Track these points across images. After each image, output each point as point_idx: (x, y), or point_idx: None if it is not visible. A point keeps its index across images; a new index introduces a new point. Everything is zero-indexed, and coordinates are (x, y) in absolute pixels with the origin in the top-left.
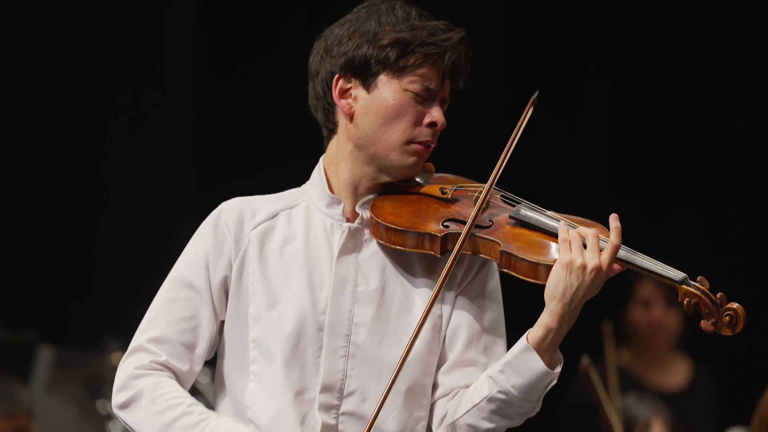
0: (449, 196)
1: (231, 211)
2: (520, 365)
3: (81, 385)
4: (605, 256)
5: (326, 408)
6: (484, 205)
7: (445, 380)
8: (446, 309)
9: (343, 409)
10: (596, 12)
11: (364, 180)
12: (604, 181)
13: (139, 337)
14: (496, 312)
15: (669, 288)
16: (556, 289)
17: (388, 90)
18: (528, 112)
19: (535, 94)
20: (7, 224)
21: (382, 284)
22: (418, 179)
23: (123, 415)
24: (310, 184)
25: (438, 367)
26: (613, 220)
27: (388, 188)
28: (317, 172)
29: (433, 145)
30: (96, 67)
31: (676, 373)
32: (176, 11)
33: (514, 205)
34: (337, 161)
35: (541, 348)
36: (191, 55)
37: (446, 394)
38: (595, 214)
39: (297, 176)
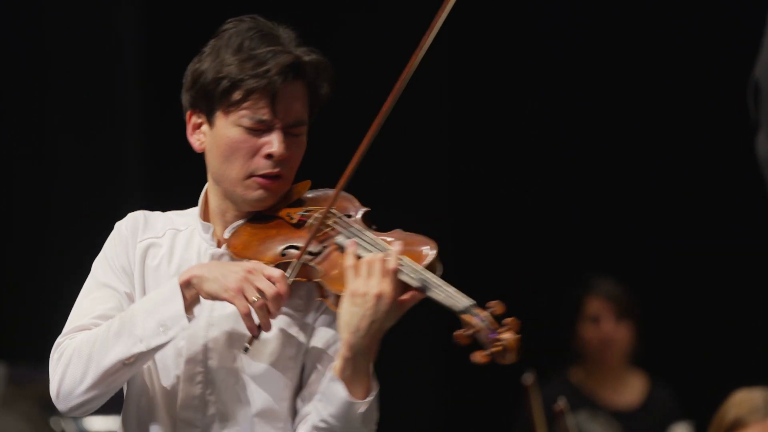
0: (295, 221)
1: (130, 220)
2: (330, 395)
3: (35, 403)
4: (384, 283)
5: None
6: (324, 229)
7: (301, 406)
8: (303, 334)
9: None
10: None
11: (228, 210)
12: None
13: (63, 331)
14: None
15: (618, 302)
16: (344, 319)
17: (223, 126)
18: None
19: None
20: None
21: (236, 311)
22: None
23: (67, 390)
24: (196, 208)
25: (298, 392)
26: (396, 245)
27: (256, 214)
28: (201, 197)
29: (283, 174)
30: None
31: (631, 390)
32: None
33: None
34: (209, 190)
35: (344, 377)
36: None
37: (300, 420)
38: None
39: None
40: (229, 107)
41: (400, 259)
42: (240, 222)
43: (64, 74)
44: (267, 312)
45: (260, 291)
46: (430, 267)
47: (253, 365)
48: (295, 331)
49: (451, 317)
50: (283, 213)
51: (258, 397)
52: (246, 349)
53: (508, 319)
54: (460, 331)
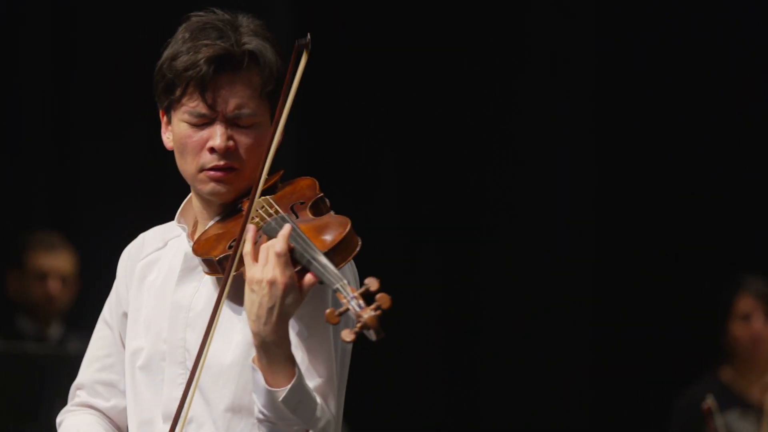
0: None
1: (132, 246)
2: (255, 384)
3: None
4: (276, 268)
5: None
6: (256, 218)
7: None
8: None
9: None
10: None
11: (206, 206)
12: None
13: (77, 378)
14: (318, 334)
15: None
16: (246, 308)
17: (175, 123)
18: (298, 63)
19: (307, 37)
20: None
21: (210, 309)
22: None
23: None
24: None
25: None
26: (285, 227)
27: (231, 210)
28: (186, 199)
29: (237, 165)
30: None
31: None
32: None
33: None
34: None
35: (262, 366)
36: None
37: None
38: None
39: None
40: (174, 105)
41: (297, 242)
42: (213, 221)
43: None
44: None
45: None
46: (340, 247)
47: (222, 361)
48: None
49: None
50: (241, 207)
51: (227, 393)
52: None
53: (379, 295)
54: (330, 309)
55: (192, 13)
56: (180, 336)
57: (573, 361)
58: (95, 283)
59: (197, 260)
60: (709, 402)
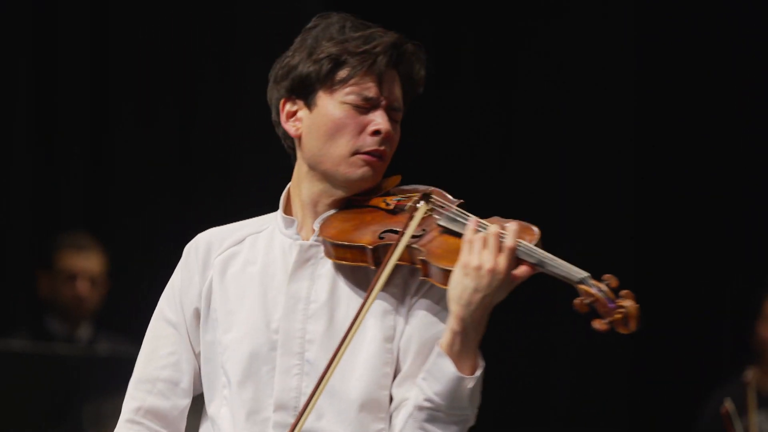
0: (392, 207)
1: (200, 242)
2: (437, 371)
3: None
4: (501, 257)
5: (281, 427)
6: (423, 215)
7: (398, 392)
8: (400, 320)
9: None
10: None
11: (323, 197)
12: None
13: (132, 376)
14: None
15: None
16: (454, 292)
17: (327, 105)
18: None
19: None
20: None
21: (335, 301)
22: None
23: None
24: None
25: (394, 378)
26: (513, 224)
27: (347, 203)
28: (282, 196)
29: (386, 154)
30: None
31: None
32: None
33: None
34: (299, 183)
35: (452, 353)
36: None
37: (398, 405)
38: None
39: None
40: (334, 86)
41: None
42: (329, 212)
43: None
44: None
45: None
46: (537, 246)
47: (354, 355)
48: (391, 318)
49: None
50: (376, 201)
51: (360, 386)
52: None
53: (624, 291)
54: (578, 299)
55: (321, 15)
56: (299, 327)
57: (598, 364)
58: (125, 283)
59: (312, 253)
60: (727, 405)
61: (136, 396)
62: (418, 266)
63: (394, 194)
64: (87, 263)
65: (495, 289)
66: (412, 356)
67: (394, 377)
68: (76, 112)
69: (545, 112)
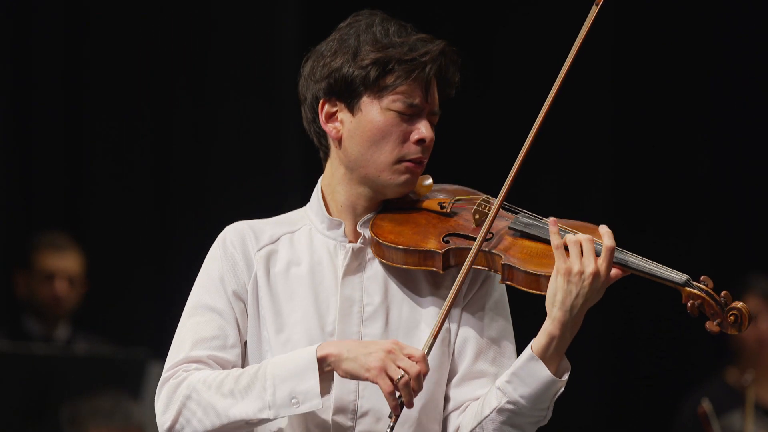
0: (448, 210)
1: (235, 233)
2: (527, 375)
3: None
4: (602, 261)
5: (340, 430)
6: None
7: (457, 393)
8: (453, 323)
9: (357, 429)
10: None
11: (360, 200)
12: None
13: (169, 362)
14: (503, 323)
15: None
16: (556, 298)
17: (372, 111)
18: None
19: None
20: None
21: (388, 303)
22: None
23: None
24: (310, 206)
25: (448, 380)
26: (604, 226)
27: (386, 205)
28: (315, 195)
29: (425, 161)
30: None
31: None
32: None
33: (512, 215)
34: (333, 183)
35: (545, 356)
36: None
37: (458, 407)
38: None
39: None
40: (380, 92)
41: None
42: (371, 215)
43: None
44: (410, 390)
45: (403, 369)
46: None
47: None
48: (444, 321)
49: None
50: (429, 204)
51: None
52: (391, 429)
53: (724, 292)
54: (690, 302)
55: (358, 13)
56: (355, 330)
57: (578, 363)
58: (102, 284)
59: (362, 256)
60: (705, 405)
61: (188, 369)
62: (496, 271)
63: (448, 195)
64: (65, 263)
65: (596, 293)
66: (471, 358)
67: (449, 378)
68: (52, 111)
69: (521, 104)
